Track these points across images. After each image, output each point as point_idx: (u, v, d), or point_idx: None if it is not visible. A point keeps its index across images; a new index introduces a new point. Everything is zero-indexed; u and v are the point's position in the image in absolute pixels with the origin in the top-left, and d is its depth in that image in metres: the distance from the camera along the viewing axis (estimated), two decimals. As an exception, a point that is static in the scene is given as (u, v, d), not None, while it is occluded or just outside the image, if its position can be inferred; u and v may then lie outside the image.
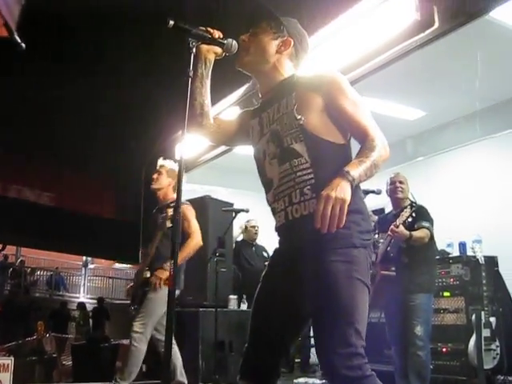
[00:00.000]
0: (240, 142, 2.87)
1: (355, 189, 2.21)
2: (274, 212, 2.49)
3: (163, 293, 5.05)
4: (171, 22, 2.31)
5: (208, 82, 2.70)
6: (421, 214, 5.10)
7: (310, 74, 2.53)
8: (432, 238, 5.12)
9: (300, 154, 2.36)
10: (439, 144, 7.71)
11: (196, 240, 5.30)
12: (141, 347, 5.12)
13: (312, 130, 2.36)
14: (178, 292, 5.30)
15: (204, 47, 2.60)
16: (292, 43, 2.58)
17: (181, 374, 5.34)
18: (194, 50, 2.42)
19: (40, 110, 9.21)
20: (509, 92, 7.18)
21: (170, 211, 5.26)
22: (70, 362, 11.63)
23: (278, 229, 2.51)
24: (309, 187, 2.32)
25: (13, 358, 8.92)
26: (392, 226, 4.86)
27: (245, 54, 2.60)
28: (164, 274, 5.05)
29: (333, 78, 2.43)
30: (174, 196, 5.36)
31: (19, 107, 8.98)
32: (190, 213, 5.42)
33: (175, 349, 5.33)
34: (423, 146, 7.88)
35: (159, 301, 5.08)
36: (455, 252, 6.61)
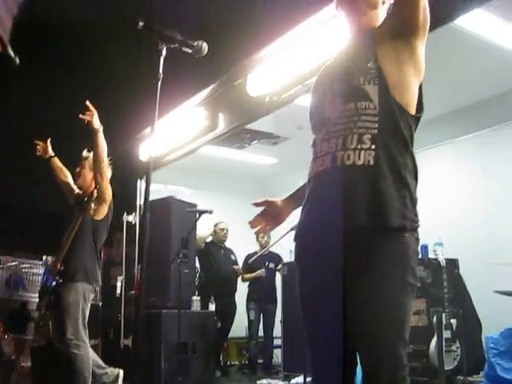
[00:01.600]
0: None
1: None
2: (316, 155, 2.21)
3: (76, 290, 5.02)
4: (141, 24, 2.30)
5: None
6: None
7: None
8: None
9: (370, 97, 2.10)
10: (426, 140, 7.75)
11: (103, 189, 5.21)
12: (84, 352, 5.00)
13: (389, 81, 2.12)
14: (92, 287, 5.20)
15: None
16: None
17: (101, 367, 5.29)
18: (163, 51, 2.41)
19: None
20: (470, 97, 7.27)
21: (93, 205, 5.21)
22: (29, 364, 11.46)
23: (316, 175, 2.20)
24: (369, 136, 2.06)
25: (-30, 360, 8.77)
26: None
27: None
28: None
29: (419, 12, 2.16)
30: (87, 183, 5.33)
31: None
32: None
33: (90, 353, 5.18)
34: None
35: (76, 298, 5.01)
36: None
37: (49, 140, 5.63)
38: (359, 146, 2.04)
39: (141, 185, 8.11)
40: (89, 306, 5.18)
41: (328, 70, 2.38)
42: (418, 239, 2.08)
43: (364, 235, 2.00)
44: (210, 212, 6.41)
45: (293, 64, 5.37)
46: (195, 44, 2.51)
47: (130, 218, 8.09)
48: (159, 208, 6.66)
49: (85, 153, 5.52)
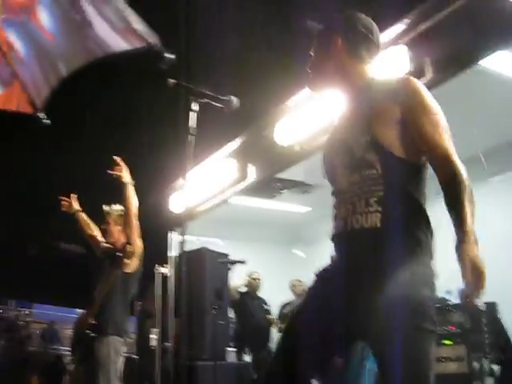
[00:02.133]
0: None
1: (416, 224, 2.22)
2: (335, 218, 2.37)
3: (108, 343, 4.99)
4: (171, 81, 2.34)
5: None
6: None
7: (391, 79, 2.44)
8: None
9: (372, 164, 2.24)
10: (438, 190, 7.71)
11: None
12: None
13: (385, 143, 2.24)
14: (123, 340, 5.19)
15: None
16: (339, 40, 2.47)
17: None
18: (195, 107, 2.44)
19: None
20: (502, 136, 7.21)
21: (128, 260, 5.22)
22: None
23: (334, 236, 2.39)
24: (375, 199, 2.20)
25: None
26: None
27: (309, 77, 2.57)
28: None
29: (413, 89, 2.29)
30: (124, 240, 5.37)
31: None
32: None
33: None
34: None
35: (108, 352, 4.98)
36: (454, 299, 6.55)
37: (73, 195, 5.67)
38: (366, 210, 2.19)
39: (172, 237, 8.12)
40: (121, 359, 5.17)
41: (332, 140, 2.52)
42: (432, 288, 2.24)
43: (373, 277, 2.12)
44: (243, 262, 6.41)
45: (321, 112, 5.39)
46: (226, 98, 2.55)
47: (163, 269, 8.09)
48: (193, 259, 6.67)
49: (106, 208, 5.55)
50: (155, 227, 8.37)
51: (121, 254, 5.18)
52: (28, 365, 18.67)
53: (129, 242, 5.21)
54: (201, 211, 7.73)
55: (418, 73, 4.43)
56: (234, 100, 2.56)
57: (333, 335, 2.22)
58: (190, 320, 6.75)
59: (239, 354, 7.62)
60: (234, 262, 6.54)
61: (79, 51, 3.89)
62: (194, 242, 8.12)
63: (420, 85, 2.32)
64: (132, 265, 5.29)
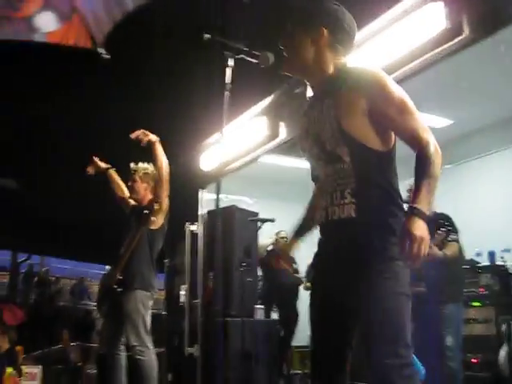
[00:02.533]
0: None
1: (388, 204, 2.41)
2: (319, 206, 2.58)
3: (135, 297, 5.15)
4: (207, 36, 2.33)
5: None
6: (449, 227, 5.12)
7: (355, 69, 2.51)
8: (461, 249, 5.10)
9: (342, 159, 2.41)
10: (467, 152, 7.61)
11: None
12: (149, 357, 5.11)
13: (353, 135, 2.39)
14: (150, 294, 5.34)
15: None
16: (325, 31, 2.53)
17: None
18: (230, 62, 2.44)
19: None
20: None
21: (154, 217, 5.27)
22: (95, 371, 11.66)
23: (319, 225, 2.59)
24: (349, 191, 2.39)
25: (41, 367, 8.98)
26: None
27: (285, 59, 2.61)
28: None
29: (377, 79, 2.42)
30: (150, 197, 5.44)
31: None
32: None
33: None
34: (450, 154, 7.76)
35: (136, 306, 5.14)
36: (484, 261, 6.53)
37: (95, 158, 5.72)
38: (342, 202, 2.40)
39: (202, 194, 8.15)
40: (149, 312, 5.28)
41: (305, 130, 2.66)
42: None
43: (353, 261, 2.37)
44: (273, 220, 6.43)
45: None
46: (261, 54, 2.54)
47: (193, 227, 8.15)
48: (222, 217, 6.70)
49: (133, 165, 5.62)
50: (185, 185, 8.40)
51: (147, 211, 5.24)
52: (59, 319, 19.05)
53: (155, 200, 5.27)
54: (231, 169, 7.72)
55: (454, 31, 4.33)
56: (270, 55, 2.55)
57: (338, 323, 2.48)
58: (217, 277, 6.82)
59: (267, 311, 7.68)
60: (263, 221, 6.57)
61: None
62: (222, 199, 8.16)
63: (381, 72, 2.46)
64: (158, 222, 5.36)
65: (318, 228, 2.61)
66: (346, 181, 2.40)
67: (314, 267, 2.73)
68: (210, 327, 6.61)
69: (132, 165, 5.66)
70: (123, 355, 5.37)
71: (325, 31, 2.54)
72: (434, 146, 2.33)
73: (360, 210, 2.37)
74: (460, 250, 5.16)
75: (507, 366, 5.43)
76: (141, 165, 5.64)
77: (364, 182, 2.39)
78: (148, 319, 5.24)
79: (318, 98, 2.58)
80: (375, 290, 2.30)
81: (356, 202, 2.37)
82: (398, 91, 2.43)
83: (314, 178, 2.70)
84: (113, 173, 5.83)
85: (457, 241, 5.06)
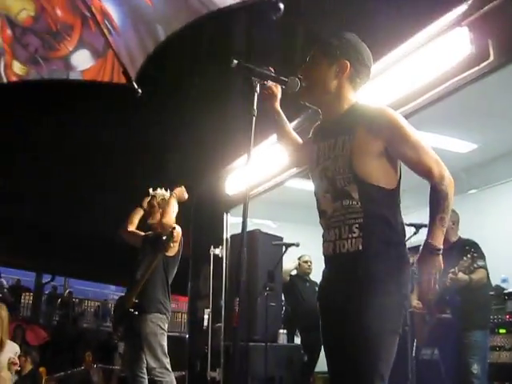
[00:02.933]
0: (305, 163, 3.01)
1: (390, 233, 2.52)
2: (324, 239, 2.68)
3: (152, 320, 5.24)
4: (235, 62, 2.37)
5: (286, 127, 3.06)
6: (475, 251, 5.05)
7: (370, 109, 2.57)
8: (487, 275, 5.06)
9: (352, 196, 2.52)
10: (492, 176, 7.57)
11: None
12: (169, 379, 5.19)
13: (364, 176, 2.50)
14: (164, 316, 5.41)
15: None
16: (348, 65, 2.60)
17: None
18: (258, 88, 2.46)
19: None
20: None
21: (173, 244, 5.41)
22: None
23: (325, 257, 2.70)
24: (357, 225, 2.50)
25: (62, 389, 8.98)
26: (451, 275, 4.86)
27: (304, 88, 2.67)
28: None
29: (393, 121, 2.52)
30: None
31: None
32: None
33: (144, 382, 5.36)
34: (476, 179, 7.73)
35: (153, 328, 5.22)
36: (510, 287, 6.45)
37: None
38: (350, 236, 2.50)
39: (227, 218, 8.17)
40: (165, 335, 5.34)
41: (315, 162, 2.74)
42: (403, 285, 2.50)
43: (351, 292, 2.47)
44: (297, 245, 6.43)
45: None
46: (288, 80, 2.57)
47: (217, 251, 8.16)
48: (246, 241, 6.69)
49: (152, 191, 5.72)
50: (211, 209, 8.44)
51: (166, 238, 5.33)
52: (81, 341, 19.12)
53: (173, 227, 5.36)
54: (255, 193, 7.74)
55: (480, 55, 4.33)
56: (296, 81, 2.58)
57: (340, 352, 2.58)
58: (243, 301, 6.81)
59: (290, 336, 7.64)
60: (287, 245, 6.56)
61: (180, 10, 3.82)
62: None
63: (395, 114, 2.55)
64: (174, 249, 5.45)
65: (325, 260, 2.72)
66: (353, 216, 2.51)
67: (318, 299, 2.80)
68: (233, 351, 6.57)
69: (151, 190, 5.77)
70: (145, 378, 5.40)
71: (348, 64, 2.60)
72: (448, 179, 2.47)
73: (366, 243, 2.49)
74: (487, 277, 5.11)
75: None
76: (159, 191, 5.81)
77: (371, 217, 2.50)
78: (165, 341, 5.31)
79: (331, 132, 2.65)
80: (363, 325, 2.40)
81: (363, 235, 2.48)
82: (412, 130, 2.53)
83: (318, 210, 2.76)
84: (140, 210, 5.96)
85: (484, 267, 5.03)
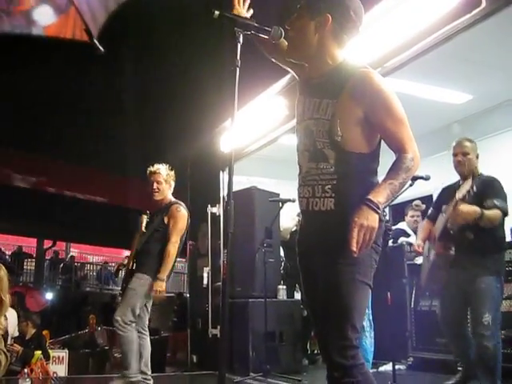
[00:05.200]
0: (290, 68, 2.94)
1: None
2: (299, 195, 2.71)
3: (142, 283, 5.33)
4: (216, 13, 2.34)
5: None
6: (492, 188, 4.62)
7: (356, 72, 2.52)
8: (504, 217, 4.60)
9: (328, 160, 2.55)
10: (487, 127, 7.55)
11: (171, 248, 5.41)
12: (127, 334, 5.25)
13: (343, 143, 2.51)
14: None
15: None
16: (330, 19, 2.52)
17: (145, 365, 5.41)
18: (241, 38, 2.44)
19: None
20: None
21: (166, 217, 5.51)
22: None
23: (301, 211, 2.75)
24: (330, 186, 2.54)
25: (67, 351, 9.12)
26: (456, 207, 4.41)
27: (289, 43, 2.64)
28: (159, 286, 5.29)
29: (376, 88, 2.48)
30: (171, 198, 5.63)
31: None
32: (176, 213, 5.53)
33: (146, 340, 5.48)
34: (471, 130, 7.72)
35: (137, 290, 5.31)
36: (507, 237, 6.43)
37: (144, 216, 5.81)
38: (323, 195, 2.56)
39: (223, 177, 8.16)
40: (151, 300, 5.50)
41: (299, 110, 2.75)
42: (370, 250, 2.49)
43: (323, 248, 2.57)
44: (293, 200, 6.41)
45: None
46: (271, 29, 2.53)
47: (214, 209, 8.16)
48: (242, 198, 6.70)
49: (155, 167, 5.71)
50: (207, 168, 8.42)
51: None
52: (85, 304, 19.31)
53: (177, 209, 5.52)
54: (251, 151, 7.72)
55: (472, 2, 4.28)
56: (280, 30, 2.54)
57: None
58: (239, 258, 6.85)
59: (290, 291, 7.69)
60: (283, 201, 6.56)
61: None
62: (243, 181, 8.16)
63: (379, 80, 2.50)
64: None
65: (301, 214, 2.77)
66: (327, 177, 2.54)
67: (297, 244, 2.86)
68: (233, 308, 6.63)
69: (155, 167, 5.74)
70: (147, 335, 5.50)
71: (330, 18, 2.52)
72: (417, 160, 2.48)
73: (339, 203, 2.52)
74: (504, 217, 4.58)
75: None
76: (161, 166, 5.74)
77: (344, 179, 2.53)
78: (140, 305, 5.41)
79: (317, 90, 2.62)
80: (334, 275, 2.48)
81: (335, 196, 2.53)
82: (395, 100, 2.50)
83: (298, 163, 2.78)
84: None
85: (501, 209, 4.47)
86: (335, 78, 2.55)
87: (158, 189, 5.63)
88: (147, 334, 5.52)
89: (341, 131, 2.49)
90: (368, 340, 4.86)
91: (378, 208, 2.37)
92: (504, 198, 4.60)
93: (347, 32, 2.60)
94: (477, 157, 4.83)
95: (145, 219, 5.65)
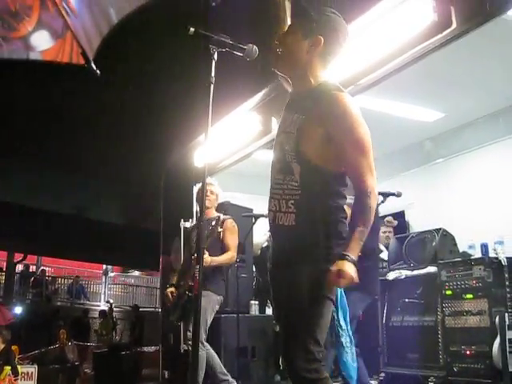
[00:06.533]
0: None
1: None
2: (268, 207, 2.76)
3: (208, 299, 5.42)
4: (192, 30, 2.35)
5: None
6: None
7: (328, 95, 2.57)
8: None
9: (293, 174, 2.60)
10: (459, 145, 7.66)
11: (231, 255, 5.62)
12: (202, 353, 5.30)
13: (309, 157, 2.56)
14: (220, 298, 5.70)
15: None
16: (322, 41, 2.59)
17: (222, 373, 5.51)
18: (215, 56, 2.46)
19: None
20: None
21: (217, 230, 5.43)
22: (92, 370, 11.70)
23: (269, 225, 2.79)
24: (292, 201, 2.60)
25: (36, 366, 8.98)
26: None
27: (278, 56, 2.67)
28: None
29: (343, 113, 2.51)
30: (214, 213, 5.67)
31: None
32: (232, 227, 5.79)
33: (211, 351, 5.56)
34: (442, 148, 7.83)
35: (206, 307, 5.39)
36: (477, 254, 6.54)
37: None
38: (286, 210, 2.61)
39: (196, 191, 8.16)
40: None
41: (280, 123, 2.79)
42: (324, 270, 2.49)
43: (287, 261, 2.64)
44: (266, 216, 6.43)
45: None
46: (246, 47, 2.56)
47: (187, 224, 8.15)
48: (215, 213, 6.70)
49: (210, 180, 5.96)
50: (180, 182, 8.42)
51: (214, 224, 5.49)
52: (56, 319, 19.07)
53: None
54: (225, 165, 7.74)
55: (443, 23, 4.36)
56: (254, 48, 2.57)
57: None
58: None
59: (262, 307, 7.70)
60: (256, 216, 6.57)
61: None
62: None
63: (348, 105, 2.53)
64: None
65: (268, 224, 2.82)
66: (292, 192, 2.60)
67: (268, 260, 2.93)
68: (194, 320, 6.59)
69: (210, 179, 6.00)
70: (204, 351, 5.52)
71: (322, 40, 2.59)
72: (374, 192, 2.51)
73: (299, 219, 2.58)
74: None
75: (500, 357, 5.43)
76: (213, 181, 6.01)
77: (307, 196, 2.58)
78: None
79: (294, 106, 2.70)
80: (296, 290, 2.54)
81: (296, 212, 2.58)
82: (360, 127, 2.53)
83: (271, 174, 2.82)
84: None
85: None
86: (311, 96, 2.60)
87: (209, 197, 5.73)
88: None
89: (304, 146, 2.55)
90: (349, 356, 4.89)
91: (355, 264, 2.43)
92: None
93: (333, 55, 2.68)
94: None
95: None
